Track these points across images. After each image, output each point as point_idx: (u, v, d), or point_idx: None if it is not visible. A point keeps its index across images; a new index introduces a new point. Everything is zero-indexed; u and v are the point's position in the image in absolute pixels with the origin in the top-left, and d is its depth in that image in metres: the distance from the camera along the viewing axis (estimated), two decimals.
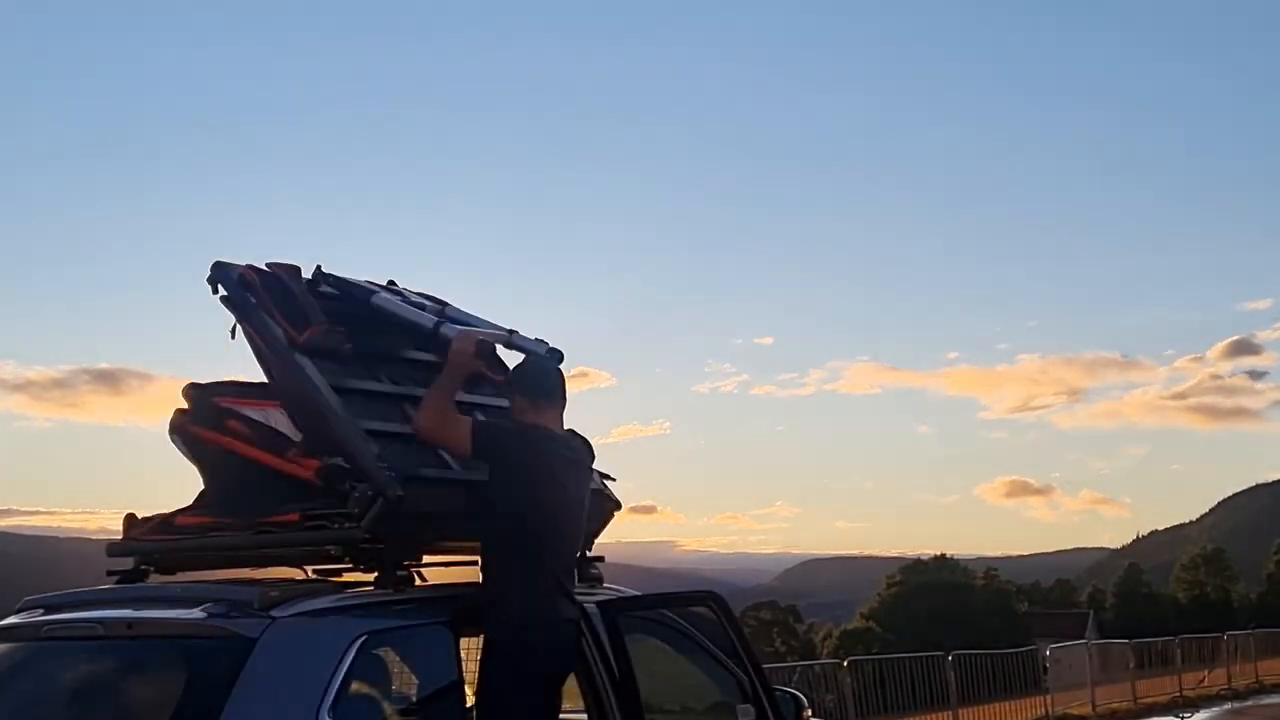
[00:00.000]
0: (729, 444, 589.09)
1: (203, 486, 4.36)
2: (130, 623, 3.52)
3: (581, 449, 4.10)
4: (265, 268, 4.14)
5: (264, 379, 4.17)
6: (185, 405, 4.32)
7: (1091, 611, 77.21)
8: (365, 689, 3.62)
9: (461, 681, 3.80)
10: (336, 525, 3.74)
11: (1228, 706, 19.95)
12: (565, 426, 4.11)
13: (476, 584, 4.03)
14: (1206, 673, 22.74)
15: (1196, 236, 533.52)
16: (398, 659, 3.93)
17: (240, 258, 4.13)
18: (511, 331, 4.51)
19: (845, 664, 16.13)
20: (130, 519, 4.27)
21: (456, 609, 3.83)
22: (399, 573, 3.80)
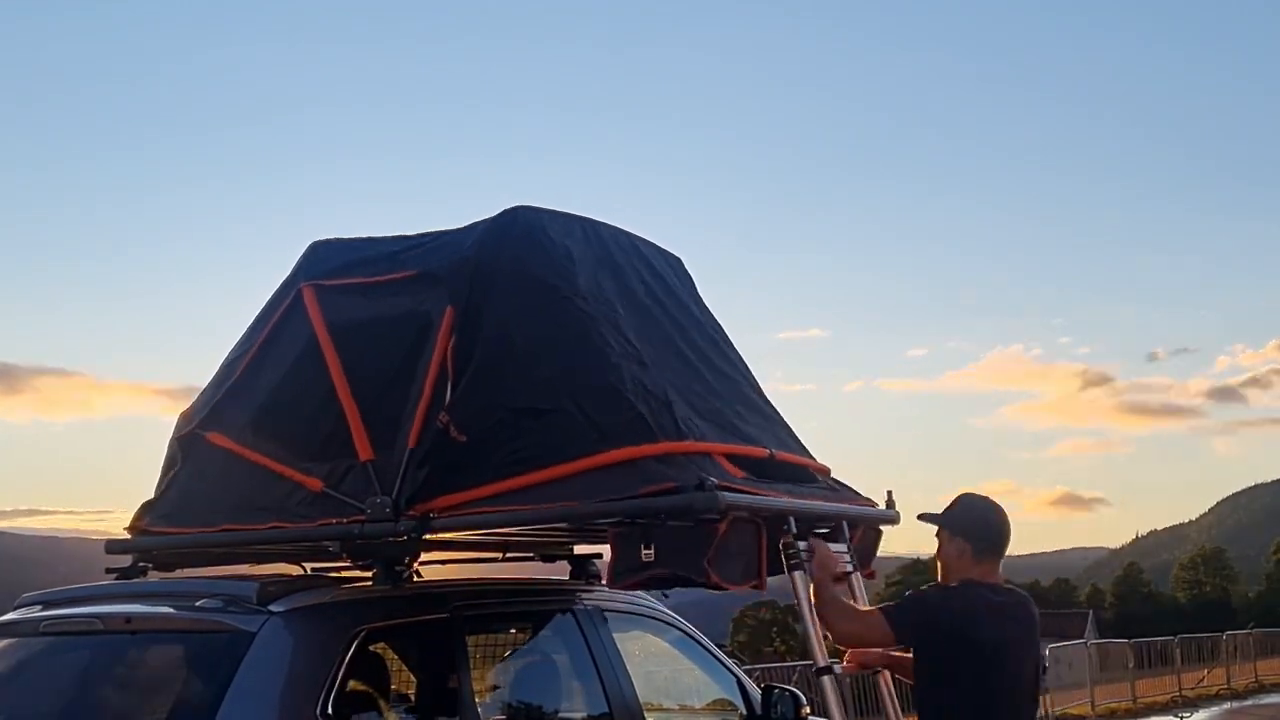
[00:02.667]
0: None
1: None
2: (129, 618, 3.52)
3: (1017, 606, 3.69)
4: None
5: None
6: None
7: (1091, 611, 77.21)
8: (363, 685, 3.61)
9: (459, 678, 3.79)
10: (347, 521, 3.65)
11: (1227, 706, 19.91)
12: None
13: (474, 581, 3.99)
14: (1206, 672, 22.70)
15: (1215, 234, 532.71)
16: (395, 655, 3.93)
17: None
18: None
19: None
20: (147, 506, 4.23)
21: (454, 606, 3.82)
22: (397, 568, 3.79)
